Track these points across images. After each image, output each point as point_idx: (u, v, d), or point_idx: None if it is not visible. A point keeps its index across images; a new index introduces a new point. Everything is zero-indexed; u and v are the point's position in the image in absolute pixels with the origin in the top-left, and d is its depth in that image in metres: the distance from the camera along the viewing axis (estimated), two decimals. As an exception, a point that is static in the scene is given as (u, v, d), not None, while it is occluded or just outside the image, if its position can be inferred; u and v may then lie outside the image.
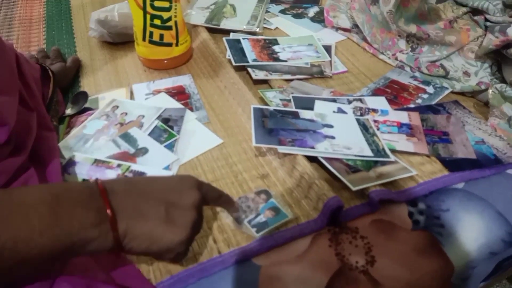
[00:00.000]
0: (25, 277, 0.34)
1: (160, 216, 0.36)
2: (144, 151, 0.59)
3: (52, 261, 0.34)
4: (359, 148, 0.57)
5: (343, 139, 0.58)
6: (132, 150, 0.59)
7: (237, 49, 0.81)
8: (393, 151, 0.59)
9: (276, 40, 0.85)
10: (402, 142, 0.60)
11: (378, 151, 0.58)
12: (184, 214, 0.38)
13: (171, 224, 0.37)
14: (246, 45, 0.82)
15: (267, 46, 0.83)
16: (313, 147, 0.56)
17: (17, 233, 0.30)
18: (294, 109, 0.63)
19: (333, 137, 0.58)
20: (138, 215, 0.35)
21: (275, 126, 0.59)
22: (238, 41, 0.83)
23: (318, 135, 0.59)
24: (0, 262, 0.29)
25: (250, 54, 0.80)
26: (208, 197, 0.43)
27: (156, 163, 0.57)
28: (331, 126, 0.61)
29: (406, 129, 0.62)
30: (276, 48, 0.83)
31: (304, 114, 0.62)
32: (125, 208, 0.35)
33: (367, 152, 0.57)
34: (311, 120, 0.61)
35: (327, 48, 0.83)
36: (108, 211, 0.34)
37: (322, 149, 0.56)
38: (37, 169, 0.48)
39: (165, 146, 0.60)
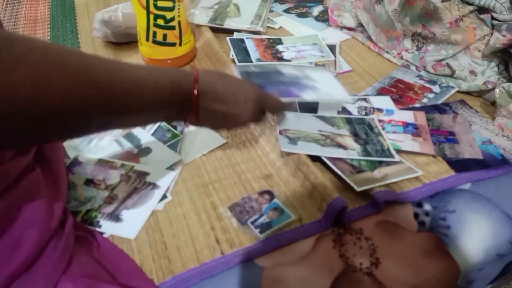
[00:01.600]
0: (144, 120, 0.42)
1: (230, 100, 0.45)
2: (148, 151, 0.59)
3: (163, 109, 0.41)
4: (340, 95, 0.63)
5: (325, 88, 0.63)
6: (135, 150, 0.59)
7: (240, 48, 0.80)
8: (398, 151, 0.58)
9: (280, 39, 0.85)
10: (408, 142, 0.59)
11: (383, 151, 0.57)
12: (245, 109, 0.47)
13: (236, 112, 0.46)
14: (250, 45, 0.82)
15: (271, 46, 0.82)
16: (298, 96, 0.60)
17: (144, 78, 0.37)
18: (275, 62, 0.71)
19: (314, 87, 0.63)
20: (215, 98, 0.44)
21: (261, 82, 0.62)
22: (242, 40, 0.83)
23: (301, 86, 0.62)
24: (139, 98, 0.36)
25: (254, 53, 0.79)
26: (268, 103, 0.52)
27: (160, 163, 0.57)
28: (310, 78, 0.65)
29: (412, 129, 0.62)
30: (280, 47, 0.82)
31: (285, 68, 0.68)
32: (205, 88, 0.43)
33: (348, 99, 0.62)
34: (296, 76, 0.66)
35: (332, 47, 0.83)
36: (195, 92, 0.42)
37: (307, 97, 0.60)
38: (43, 169, 0.48)
39: (169, 146, 0.60)
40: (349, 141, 0.58)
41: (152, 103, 0.39)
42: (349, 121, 0.62)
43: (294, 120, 0.61)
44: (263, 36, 0.86)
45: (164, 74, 0.40)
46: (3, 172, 0.37)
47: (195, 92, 0.42)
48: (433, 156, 0.58)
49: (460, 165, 0.57)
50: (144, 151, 0.59)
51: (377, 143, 0.58)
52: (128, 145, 0.59)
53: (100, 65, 0.34)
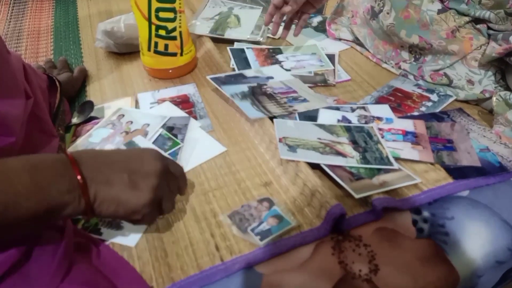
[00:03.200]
0: (12, 238, 0.38)
1: (124, 182, 0.41)
2: None
3: (36, 224, 0.38)
4: (298, 88, 0.72)
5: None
6: None
7: (241, 58, 0.81)
8: (398, 159, 0.58)
9: (279, 49, 0.86)
10: (407, 150, 0.60)
11: (381, 158, 0.57)
12: (146, 180, 0.42)
13: (134, 189, 0.41)
14: (250, 55, 0.83)
15: (271, 55, 0.84)
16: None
17: (6, 198, 0.33)
18: (238, 72, 0.76)
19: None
20: (105, 182, 0.40)
21: (231, 91, 0.69)
22: (242, 50, 0.84)
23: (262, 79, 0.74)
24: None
25: (254, 63, 0.80)
26: (171, 169, 0.47)
27: None
28: (272, 77, 0.75)
29: (412, 137, 0.62)
30: (279, 57, 0.83)
31: (248, 73, 0.76)
32: (93, 176, 0.39)
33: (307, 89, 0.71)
34: (256, 77, 0.75)
35: (331, 57, 0.84)
36: (79, 177, 0.38)
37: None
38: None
39: (169, 154, 0.60)
40: (348, 149, 0.59)
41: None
42: (348, 129, 0.63)
43: (294, 128, 0.62)
44: (263, 46, 0.87)
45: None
46: None
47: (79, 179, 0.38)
48: (432, 164, 0.59)
49: (458, 172, 0.57)
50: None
51: (376, 151, 0.59)
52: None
53: None
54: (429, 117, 0.67)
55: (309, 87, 0.75)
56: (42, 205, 0.35)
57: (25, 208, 0.34)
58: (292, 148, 0.58)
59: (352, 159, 0.57)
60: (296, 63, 0.82)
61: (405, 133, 0.63)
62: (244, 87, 0.71)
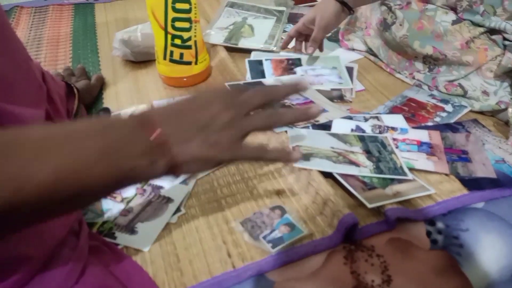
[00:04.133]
0: (84, 205, 0.37)
1: (201, 135, 0.36)
2: None
3: (106, 193, 0.36)
4: (314, 98, 0.74)
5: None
6: None
7: (257, 71, 0.81)
8: (412, 169, 0.58)
9: (299, 60, 0.84)
10: (422, 161, 0.59)
11: (395, 169, 0.57)
12: (219, 135, 0.36)
13: (209, 140, 0.36)
14: (268, 67, 0.82)
15: (289, 68, 0.83)
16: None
17: (70, 165, 0.30)
18: (257, 79, 0.78)
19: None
20: (184, 139, 0.35)
21: None
22: (260, 62, 0.84)
23: None
24: (63, 190, 0.30)
25: (270, 77, 0.79)
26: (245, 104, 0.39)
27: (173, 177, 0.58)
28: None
29: (427, 148, 0.62)
30: (298, 70, 0.82)
31: (266, 81, 0.78)
32: (170, 135, 0.34)
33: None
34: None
35: (349, 70, 0.82)
36: (156, 136, 0.33)
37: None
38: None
39: (183, 161, 0.61)
40: (361, 158, 0.59)
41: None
42: (362, 139, 0.63)
43: (307, 137, 0.62)
44: (283, 57, 0.85)
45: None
46: None
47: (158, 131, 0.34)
48: (446, 175, 0.58)
49: (473, 183, 0.56)
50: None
51: (389, 161, 0.59)
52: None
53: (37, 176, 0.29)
54: (444, 128, 0.66)
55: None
56: (112, 171, 0.32)
57: (93, 176, 0.31)
58: (305, 157, 0.58)
59: (365, 169, 0.57)
60: (315, 77, 0.80)
61: (420, 144, 0.63)
62: None
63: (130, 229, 0.51)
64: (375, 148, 0.61)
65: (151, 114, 0.35)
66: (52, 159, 0.29)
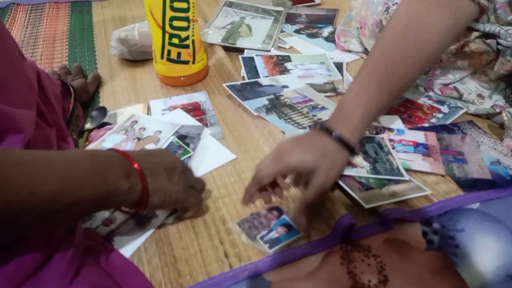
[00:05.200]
0: (71, 220, 0.41)
1: (163, 173, 0.45)
2: None
3: (93, 208, 0.41)
4: (313, 96, 0.74)
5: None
6: None
7: (251, 67, 0.82)
8: (408, 170, 0.58)
9: (289, 56, 0.87)
10: (418, 162, 0.60)
11: (392, 169, 0.57)
12: (175, 170, 0.46)
13: (170, 179, 0.45)
14: (259, 62, 0.84)
15: (280, 63, 0.84)
16: None
17: (70, 177, 0.36)
18: (254, 80, 0.78)
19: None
20: (152, 174, 0.43)
21: (254, 106, 0.70)
22: (252, 58, 0.85)
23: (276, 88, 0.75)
24: (59, 201, 0.34)
25: (263, 71, 0.81)
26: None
27: None
28: (287, 86, 0.76)
29: (423, 149, 0.62)
30: (288, 65, 0.84)
31: (263, 81, 0.77)
32: (143, 167, 0.42)
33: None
34: (271, 85, 0.76)
35: (339, 66, 0.84)
36: (136, 166, 0.41)
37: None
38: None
39: (180, 161, 0.61)
40: (358, 159, 0.59)
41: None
42: None
43: None
44: (272, 53, 0.88)
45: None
46: None
47: (136, 166, 0.42)
48: (442, 176, 0.58)
49: (468, 184, 0.57)
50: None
51: (386, 161, 0.59)
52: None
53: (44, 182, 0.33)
54: (440, 129, 0.67)
55: (319, 96, 0.76)
56: (101, 187, 0.38)
57: (86, 189, 0.37)
58: None
59: (362, 169, 0.57)
60: (305, 71, 0.82)
61: (416, 145, 0.63)
62: (264, 100, 0.72)
63: (108, 241, 0.49)
64: (371, 149, 0.61)
65: (129, 151, 0.43)
66: (57, 171, 0.35)
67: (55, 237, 0.40)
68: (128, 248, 0.49)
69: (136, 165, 0.41)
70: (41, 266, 0.38)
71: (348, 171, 0.57)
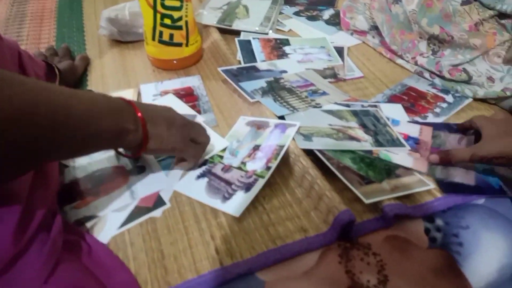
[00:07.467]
0: (89, 152, 0.44)
1: (163, 123, 0.48)
2: (140, 170, 0.56)
3: (110, 143, 0.44)
4: (315, 81, 0.70)
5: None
6: (129, 166, 0.56)
7: (248, 50, 0.78)
8: (388, 163, 0.55)
9: (287, 40, 0.83)
10: (402, 155, 0.56)
11: (393, 140, 0.57)
12: (176, 122, 0.50)
13: (169, 129, 0.49)
14: (256, 46, 0.80)
15: (278, 47, 0.80)
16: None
17: (93, 108, 0.40)
18: (251, 64, 0.74)
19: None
20: (153, 122, 0.47)
21: (250, 87, 0.67)
22: (249, 41, 0.81)
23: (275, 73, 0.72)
24: (87, 127, 0.39)
25: (260, 55, 0.77)
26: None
27: (148, 185, 0.53)
28: (285, 71, 0.72)
29: (412, 143, 0.59)
30: (287, 49, 0.80)
31: (261, 66, 0.73)
32: (145, 115, 0.46)
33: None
34: (269, 70, 0.72)
35: (339, 50, 0.80)
36: (139, 114, 0.45)
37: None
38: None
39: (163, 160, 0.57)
40: (360, 133, 0.58)
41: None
42: (355, 114, 0.62)
43: (304, 117, 0.60)
44: (271, 36, 0.84)
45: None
46: None
47: (139, 115, 0.46)
48: (424, 174, 0.55)
49: (449, 186, 0.53)
50: (137, 169, 0.56)
51: (386, 133, 0.58)
52: (124, 160, 0.57)
53: (48, 100, 0.35)
54: (441, 126, 0.63)
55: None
56: (117, 124, 0.42)
57: (105, 123, 0.41)
58: (307, 137, 0.56)
59: (366, 143, 0.56)
60: (304, 56, 0.78)
61: (407, 138, 0.60)
62: (261, 82, 0.68)
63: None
64: (369, 121, 0.60)
65: (135, 101, 0.46)
66: (82, 100, 0.39)
67: (27, 232, 0.37)
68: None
69: (139, 114, 0.45)
70: (11, 264, 0.35)
71: (353, 146, 0.55)
